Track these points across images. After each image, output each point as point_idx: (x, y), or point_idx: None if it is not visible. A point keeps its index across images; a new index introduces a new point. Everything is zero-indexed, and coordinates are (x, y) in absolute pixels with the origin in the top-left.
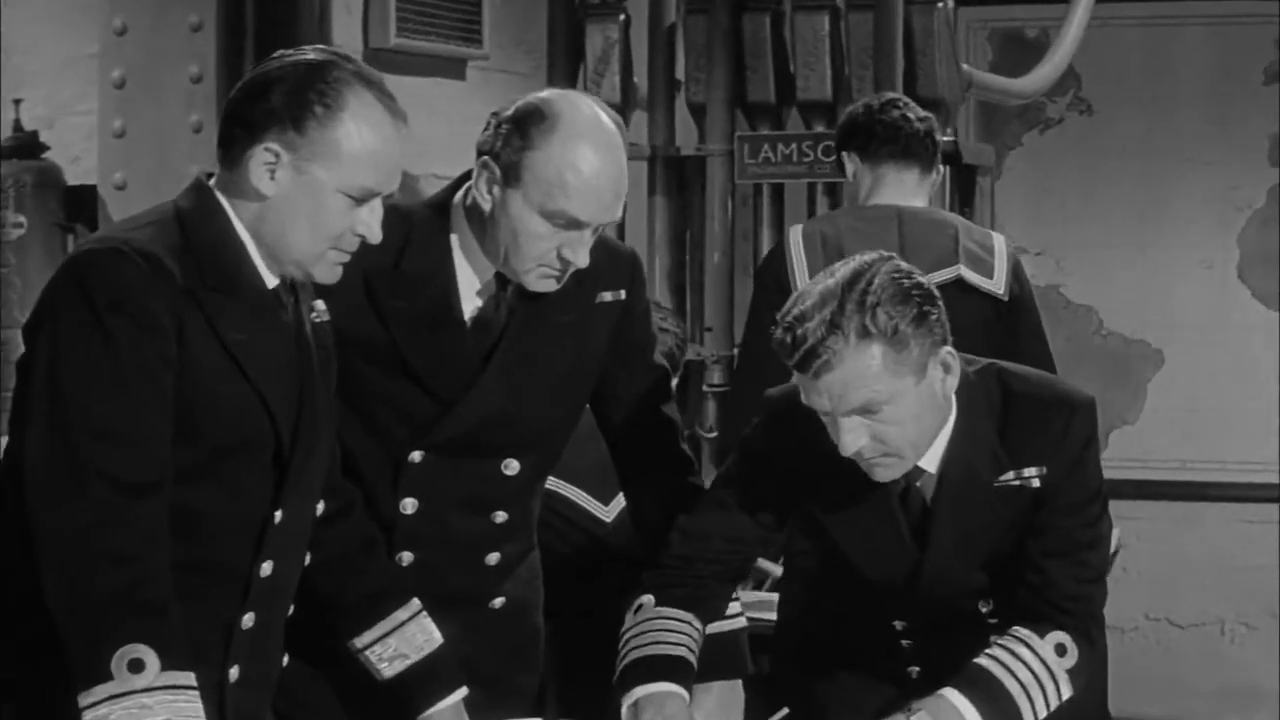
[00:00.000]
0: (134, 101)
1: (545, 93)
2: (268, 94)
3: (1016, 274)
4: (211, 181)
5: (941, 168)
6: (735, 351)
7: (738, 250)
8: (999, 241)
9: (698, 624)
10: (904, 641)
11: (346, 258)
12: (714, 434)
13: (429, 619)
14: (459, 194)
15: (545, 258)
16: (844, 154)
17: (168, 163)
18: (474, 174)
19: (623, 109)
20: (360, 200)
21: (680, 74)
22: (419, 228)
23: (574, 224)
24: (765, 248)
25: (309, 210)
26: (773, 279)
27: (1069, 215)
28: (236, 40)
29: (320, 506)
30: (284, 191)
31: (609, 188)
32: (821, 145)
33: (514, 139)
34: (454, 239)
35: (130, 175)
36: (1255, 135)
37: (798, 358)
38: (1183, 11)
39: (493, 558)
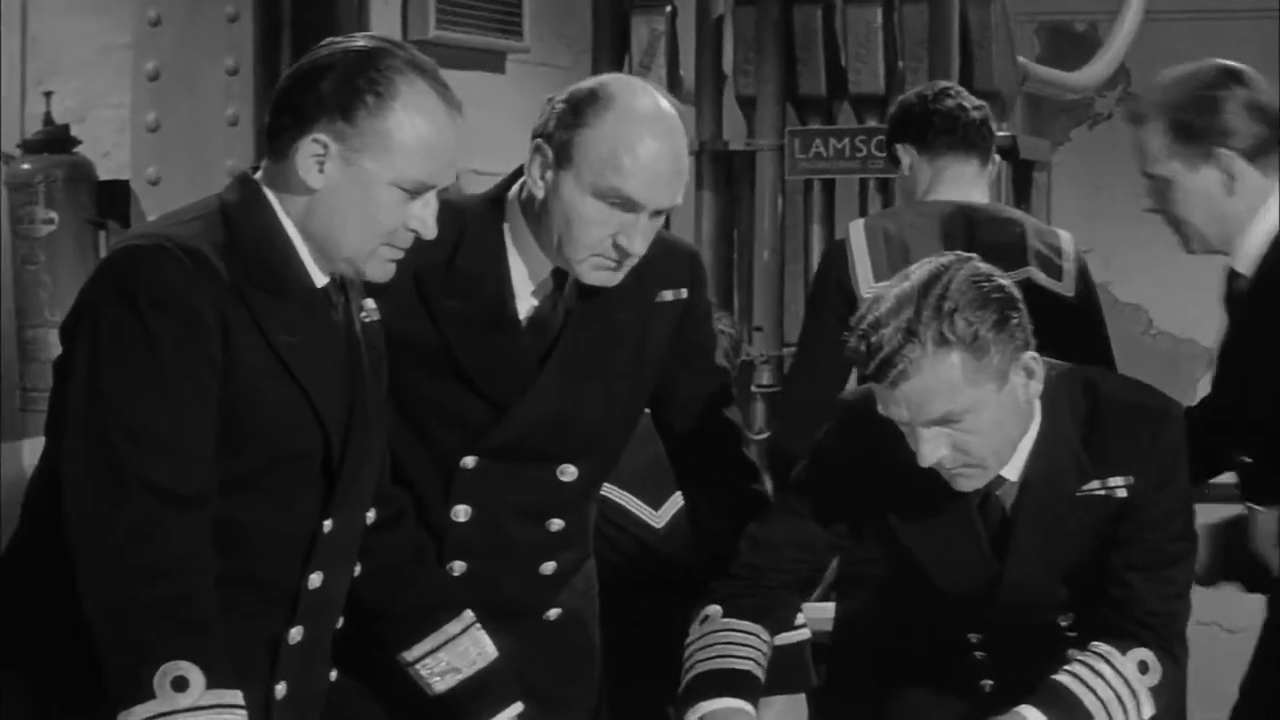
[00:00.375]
0: (168, 94)
1: (603, 76)
2: (317, 83)
3: (1084, 275)
4: (258, 175)
5: (997, 159)
6: (785, 352)
7: (788, 248)
8: (1067, 241)
9: (766, 636)
10: (978, 654)
11: (400, 255)
12: (763, 436)
13: (482, 631)
14: (514, 188)
15: (600, 245)
16: (898, 146)
17: (202, 157)
18: (527, 159)
19: None
20: (413, 194)
21: (728, 67)
22: (472, 224)
23: (629, 205)
24: (816, 245)
25: (359, 204)
26: (834, 278)
27: (1118, 212)
28: (273, 32)
29: (370, 515)
30: (333, 184)
31: (666, 167)
32: (874, 140)
33: (567, 118)
34: (509, 235)
35: (164, 170)
36: None
37: (873, 367)
38: (1232, 4)
39: (548, 567)
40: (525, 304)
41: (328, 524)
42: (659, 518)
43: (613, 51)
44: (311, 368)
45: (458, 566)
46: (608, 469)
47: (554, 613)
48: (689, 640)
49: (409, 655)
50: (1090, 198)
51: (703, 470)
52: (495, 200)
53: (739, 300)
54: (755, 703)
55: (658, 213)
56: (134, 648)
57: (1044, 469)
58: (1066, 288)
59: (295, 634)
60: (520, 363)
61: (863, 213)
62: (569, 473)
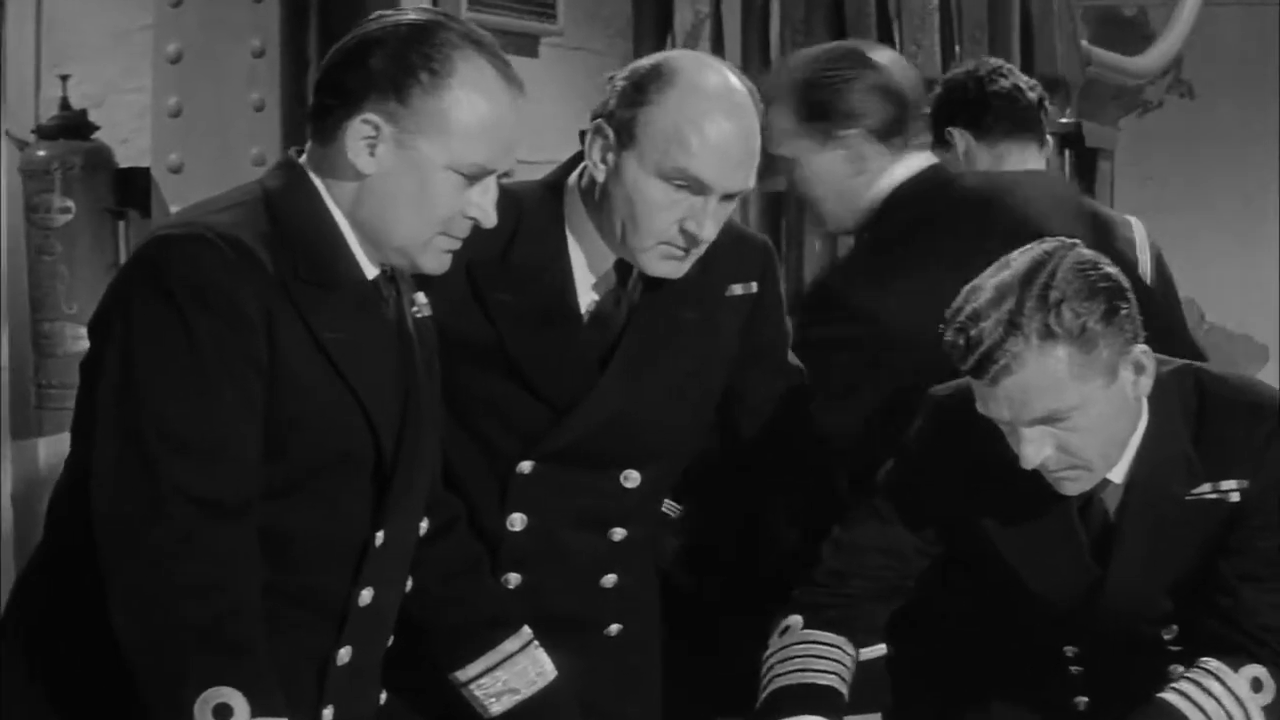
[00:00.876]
0: (190, 78)
1: (668, 51)
2: (366, 59)
3: (1160, 267)
4: (302, 159)
5: (1050, 143)
6: None
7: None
8: (1139, 230)
9: (850, 649)
10: (1073, 669)
11: (457, 245)
12: None
13: (541, 650)
14: (574, 174)
15: (666, 232)
16: (952, 130)
17: (227, 144)
18: (587, 141)
19: None
20: (472, 179)
21: (775, 50)
22: (530, 213)
23: (697, 186)
24: None
25: (414, 190)
26: None
27: (1169, 203)
28: (300, 12)
29: (423, 525)
30: (385, 169)
31: (735, 145)
32: None
33: (629, 95)
34: (568, 225)
35: (186, 157)
36: None
37: (972, 362)
38: None
39: (609, 580)
40: (586, 298)
41: (379, 535)
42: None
43: (655, 34)
44: (362, 366)
45: (513, 579)
46: (674, 474)
47: (615, 628)
48: (768, 653)
49: (463, 675)
50: (1140, 187)
51: (773, 478)
52: (553, 187)
53: (787, 295)
54: None
55: (729, 196)
56: (173, 673)
57: (1151, 470)
58: (1142, 279)
59: (344, 654)
60: (581, 362)
61: None
62: (633, 479)
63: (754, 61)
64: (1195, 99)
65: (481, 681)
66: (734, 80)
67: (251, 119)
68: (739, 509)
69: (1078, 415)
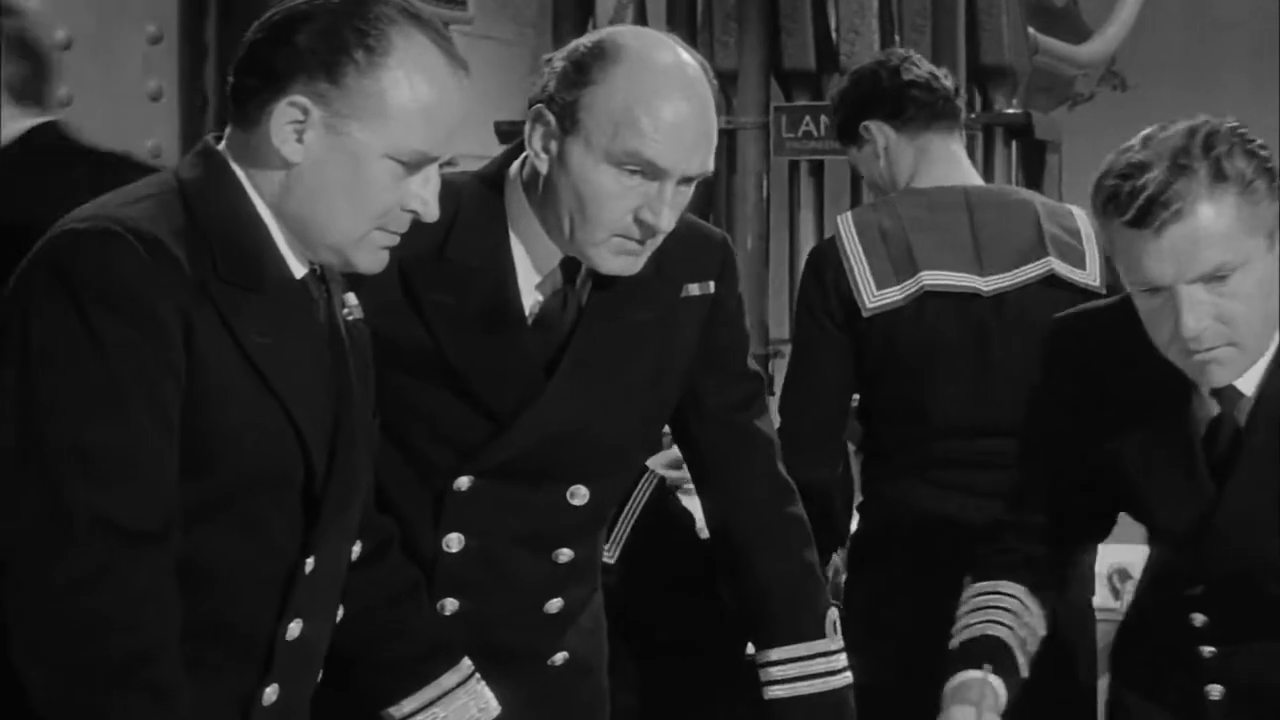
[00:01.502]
0: (80, 65)
1: (611, 27)
2: (293, 35)
3: (1109, 260)
4: (221, 146)
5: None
6: (770, 349)
7: (773, 235)
8: (1082, 219)
9: (1012, 589)
10: (1205, 651)
11: (394, 241)
12: None
13: (483, 684)
14: (515, 165)
15: (619, 223)
16: (868, 125)
17: (121, 136)
18: (527, 129)
19: None
20: (412, 167)
21: (705, 39)
22: (467, 206)
23: (651, 171)
24: (803, 231)
25: (347, 180)
26: (829, 281)
27: None
28: None
29: (355, 549)
30: (315, 157)
31: (690, 125)
32: None
33: (570, 76)
34: (510, 220)
35: None
36: None
37: (1135, 210)
38: None
39: (554, 605)
40: (530, 299)
41: (309, 561)
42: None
43: (574, 21)
44: (290, 375)
45: (449, 604)
46: (623, 490)
47: (560, 657)
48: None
49: (397, 712)
50: (1070, 184)
51: (731, 493)
52: (492, 179)
53: None
54: (1003, 664)
55: (686, 180)
56: (84, 718)
57: None
58: (1091, 277)
59: (270, 693)
60: (524, 368)
61: (855, 198)
62: (580, 495)
63: None
64: (1129, 90)
65: (419, 718)
66: (684, 55)
67: (148, 109)
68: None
69: (1240, 277)
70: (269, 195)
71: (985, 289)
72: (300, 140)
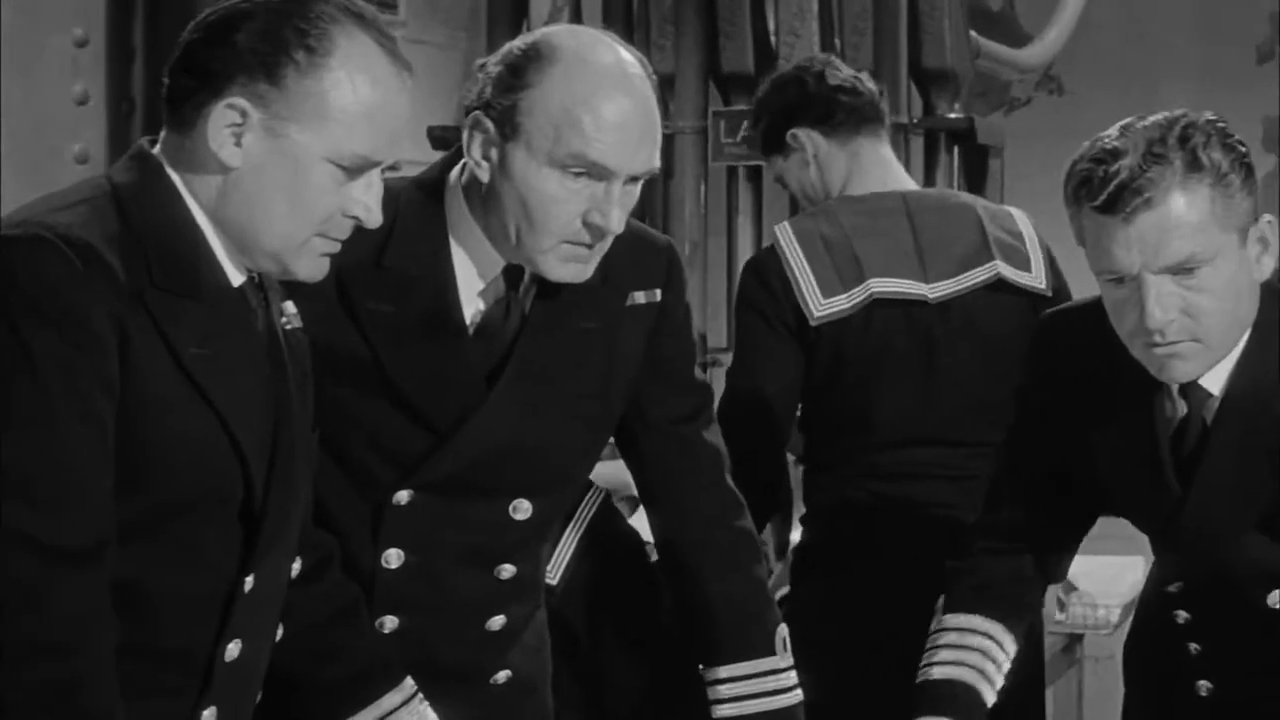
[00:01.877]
0: (4, 68)
1: (544, 28)
2: (231, 34)
3: (1052, 260)
4: (156, 149)
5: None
6: (707, 358)
7: (710, 242)
8: (1023, 222)
9: (996, 631)
10: (1192, 647)
11: (335, 248)
12: None
13: (426, 704)
14: (454, 171)
15: (568, 229)
16: (797, 132)
17: (46, 140)
18: (465, 137)
19: None
20: (353, 172)
21: (642, 42)
22: (406, 213)
23: (597, 172)
24: (741, 238)
25: (287, 185)
26: (774, 289)
27: (1038, 206)
28: None
29: (295, 566)
30: (254, 161)
31: (633, 122)
32: None
33: (506, 80)
34: (450, 227)
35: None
36: (1247, 119)
37: (1106, 195)
38: None
39: (496, 622)
40: (471, 309)
41: (248, 580)
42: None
43: (508, 24)
44: (228, 387)
45: (389, 622)
46: (567, 503)
47: (503, 675)
48: (928, 637)
49: None
50: (1007, 189)
51: (679, 507)
52: (431, 185)
53: None
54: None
55: (633, 180)
56: None
57: (1251, 384)
58: (1037, 279)
59: (208, 715)
60: (466, 379)
61: (794, 204)
62: (523, 510)
63: None
64: (1065, 95)
65: None
66: (623, 53)
67: (74, 113)
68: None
69: (1209, 271)
70: (206, 201)
71: (931, 295)
72: (238, 144)
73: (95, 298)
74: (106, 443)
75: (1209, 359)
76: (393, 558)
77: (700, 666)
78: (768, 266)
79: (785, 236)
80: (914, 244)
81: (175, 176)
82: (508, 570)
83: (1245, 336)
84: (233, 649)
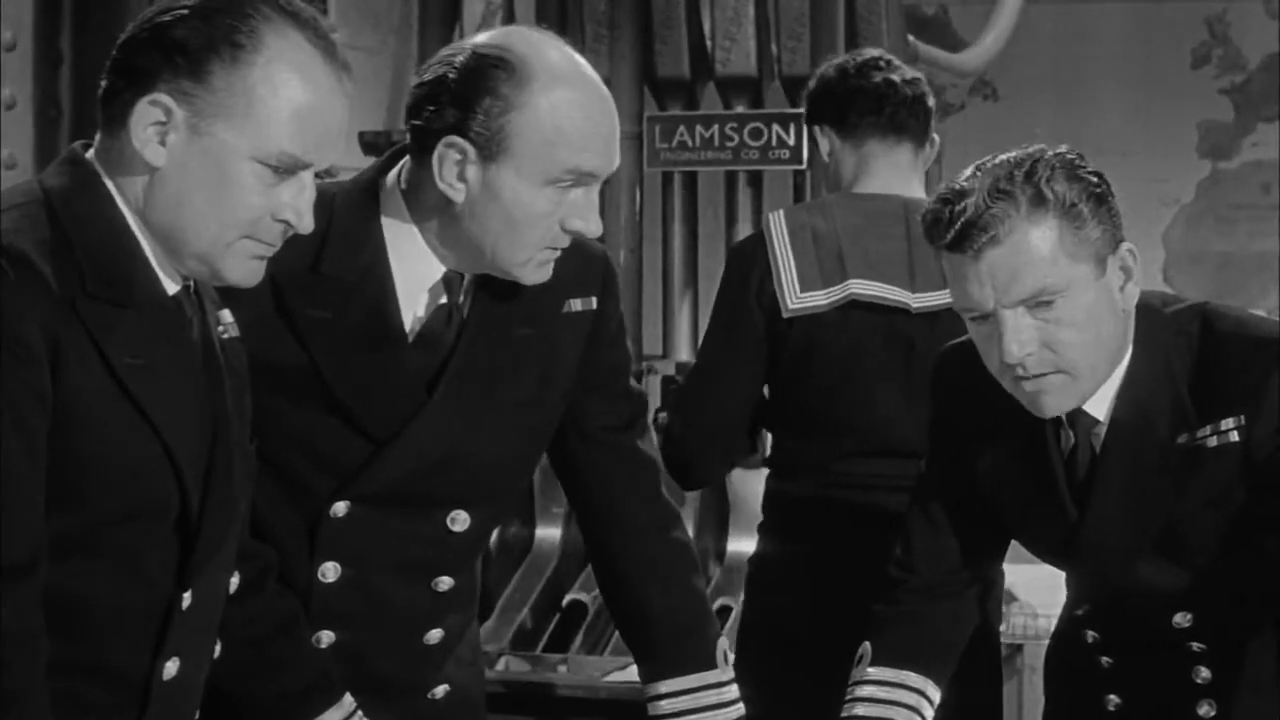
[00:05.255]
0: None
1: (485, 37)
2: (160, 32)
3: None
4: (90, 153)
5: (936, 141)
6: (644, 365)
7: (645, 249)
8: None
9: (927, 687)
10: (1104, 660)
11: (267, 251)
12: None
13: None
14: (391, 175)
15: (548, 237)
16: (816, 129)
17: None
18: (435, 162)
19: None
20: (282, 172)
21: (576, 46)
22: (341, 219)
23: (583, 180)
24: (676, 244)
25: (211, 184)
26: (753, 280)
27: None
28: (54, 2)
29: (233, 581)
30: (178, 160)
31: (607, 123)
32: (747, 127)
33: (482, 103)
34: (387, 232)
35: None
36: (1182, 124)
37: (953, 233)
38: None
39: (434, 635)
40: (411, 316)
41: (186, 596)
42: None
43: (441, 26)
44: (163, 398)
45: (325, 636)
46: (504, 515)
47: (440, 690)
48: (850, 683)
49: None
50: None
51: (617, 516)
52: (366, 189)
53: None
54: None
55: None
56: None
57: (1136, 409)
58: None
59: None
60: (405, 387)
61: (730, 211)
62: (461, 521)
63: None
64: (1000, 101)
65: None
66: (571, 52)
67: (1, 119)
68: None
69: (1065, 303)
70: (134, 202)
71: (914, 305)
72: (162, 143)
73: (27, 309)
74: (39, 456)
75: (1079, 389)
76: (329, 571)
77: (640, 681)
78: (750, 257)
79: (776, 225)
80: (907, 251)
81: (109, 182)
82: (445, 583)
83: (1126, 360)
84: (170, 667)
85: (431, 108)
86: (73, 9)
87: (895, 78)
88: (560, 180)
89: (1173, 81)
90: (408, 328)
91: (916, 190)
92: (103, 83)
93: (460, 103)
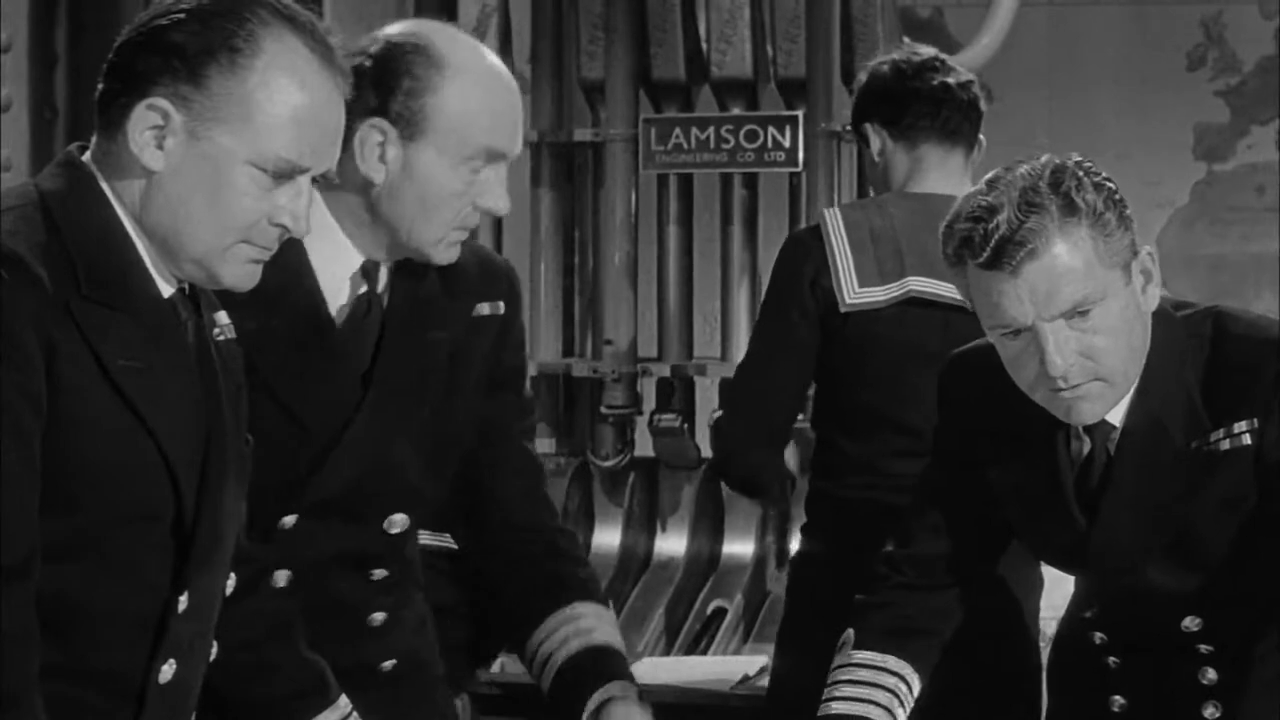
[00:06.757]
0: None
1: (397, 28)
2: (158, 36)
3: None
4: (86, 156)
5: (983, 142)
6: (639, 367)
7: (640, 252)
8: None
9: (906, 671)
10: (1111, 661)
11: (263, 255)
12: (609, 462)
13: None
14: None
15: (460, 216)
16: (867, 126)
17: None
18: (357, 141)
19: None
20: (278, 177)
21: (571, 46)
22: None
23: (494, 158)
24: (672, 246)
25: (208, 188)
26: (808, 273)
27: None
28: (49, 3)
29: (230, 583)
30: (175, 165)
31: (516, 105)
32: (743, 129)
33: (401, 84)
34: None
35: None
36: (1177, 126)
37: (989, 251)
38: None
39: (377, 618)
40: (335, 307)
41: (182, 600)
42: None
43: None
44: (159, 401)
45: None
46: (434, 510)
47: (389, 664)
48: (831, 671)
49: None
50: None
51: (502, 516)
52: None
53: (580, 310)
54: None
55: None
56: None
57: (1149, 413)
58: None
59: None
60: (342, 379)
61: (725, 213)
62: (398, 523)
63: (546, 58)
64: (993, 102)
65: None
66: (475, 41)
67: None
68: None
69: (1101, 311)
70: (131, 206)
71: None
72: (160, 147)
73: (22, 311)
74: (33, 458)
75: (1114, 395)
76: (281, 578)
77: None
78: (805, 249)
79: (833, 221)
80: None
81: (105, 184)
82: (380, 573)
83: (1142, 365)
84: (166, 670)
85: (353, 93)
86: (68, 10)
87: (951, 81)
88: (474, 159)
89: (1167, 83)
90: (337, 322)
91: (967, 189)
92: (99, 85)
93: (380, 86)
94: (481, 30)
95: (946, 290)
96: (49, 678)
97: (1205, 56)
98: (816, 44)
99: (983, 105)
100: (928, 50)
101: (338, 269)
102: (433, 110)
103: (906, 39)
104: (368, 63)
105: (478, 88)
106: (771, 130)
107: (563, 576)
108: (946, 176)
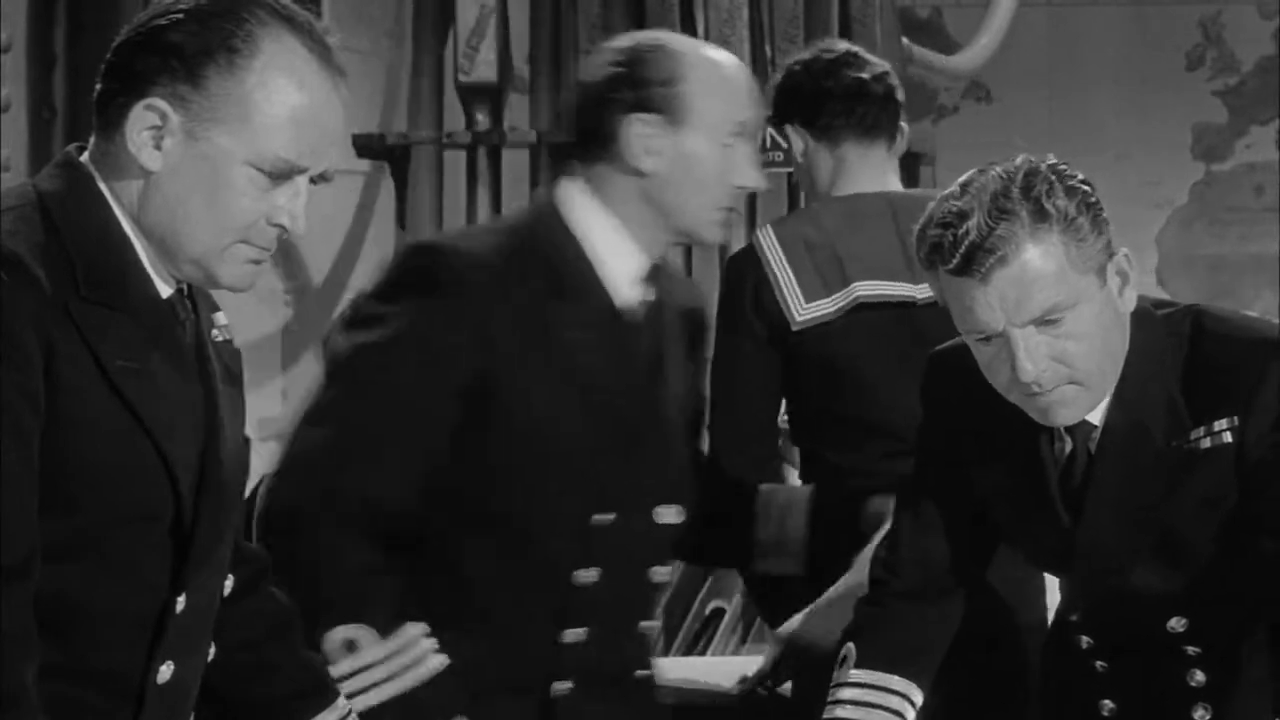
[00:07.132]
0: None
1: (630, 37)
2: (156, 36)
3: None
4: (84, 157)
5: (905, 130)
6: None
7: None
8: None
9: (910, 691)
10: (1098, 665)
11: (262, 257)
12: None
13: None
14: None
15: (727, 194)
16: (788, 127)
17: None
18: (623, 137)
19: (499, 89)
20: (277, 178)
21: (570, 47)
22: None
23: (744, 131)
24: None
25: (207, 190)
26: (749, 294)
27: None
28: (48, 3)
29: (228, 583)
30: (173, 165)
31: (748, 78)
32: None
33: (662, 73)
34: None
35: None
36: (1176, 126)
37: (959, 258)
38: None
39: (651, 624)
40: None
41: (180, 600)
42: None
43: (435, 30)
44: (157, 402)
45: (572, 634)
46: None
47: (643, 673)
48: (831, 685)
49: None
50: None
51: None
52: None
53: None
54: None
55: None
56: None
57: (1129, 412)
58: None
59: None
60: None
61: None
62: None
63: (544, 59)
64: (994, 103)
65: None
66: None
67: None
68: None
69: (1073, 316)
70: (129, 206)
71: (919, 296)
72: (158, 147)
73: (21, 312)
74: (32, 459)
75: (1091, 398)
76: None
77: None
78: (743, 270)
79: (767, 239)
80: (900, 246)
81: (103, 185)
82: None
83: (1120, 366)
84: (165, 671)
85: (611, 94)
86: (67, 10)
87: (865, 75)
88: (733, 134)
89: (1166, 83)
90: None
91: (894, 184)
92: (97, 86)
93: (637, 83)
94: (480, 32)
95: (893, 289)
96: (48, 678)
97: (1204, 57)
98: (815, 42)
99: (900, 95)
100: (841, 45)
101: (624, 266)
102: (689, 95)
103: (905, 39)
104: (620, 69)
105: (718, 70)
106: (770, 130)
107: None
108: (871, 173)
